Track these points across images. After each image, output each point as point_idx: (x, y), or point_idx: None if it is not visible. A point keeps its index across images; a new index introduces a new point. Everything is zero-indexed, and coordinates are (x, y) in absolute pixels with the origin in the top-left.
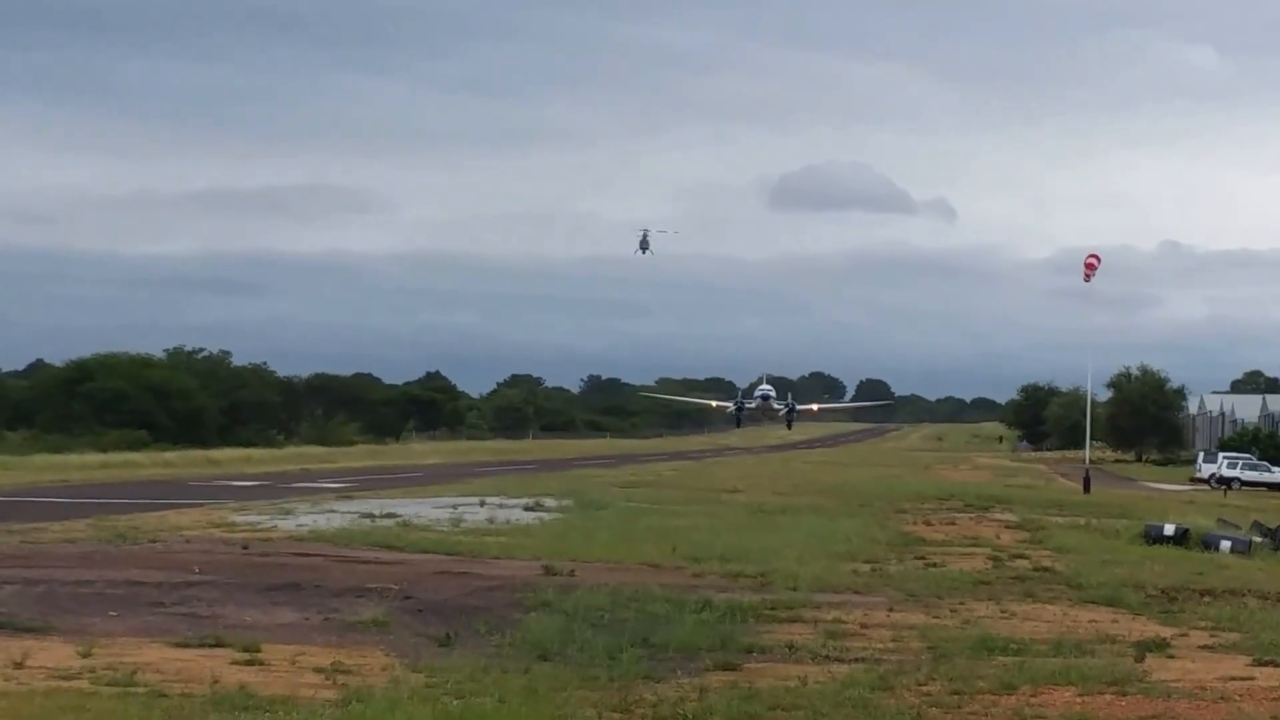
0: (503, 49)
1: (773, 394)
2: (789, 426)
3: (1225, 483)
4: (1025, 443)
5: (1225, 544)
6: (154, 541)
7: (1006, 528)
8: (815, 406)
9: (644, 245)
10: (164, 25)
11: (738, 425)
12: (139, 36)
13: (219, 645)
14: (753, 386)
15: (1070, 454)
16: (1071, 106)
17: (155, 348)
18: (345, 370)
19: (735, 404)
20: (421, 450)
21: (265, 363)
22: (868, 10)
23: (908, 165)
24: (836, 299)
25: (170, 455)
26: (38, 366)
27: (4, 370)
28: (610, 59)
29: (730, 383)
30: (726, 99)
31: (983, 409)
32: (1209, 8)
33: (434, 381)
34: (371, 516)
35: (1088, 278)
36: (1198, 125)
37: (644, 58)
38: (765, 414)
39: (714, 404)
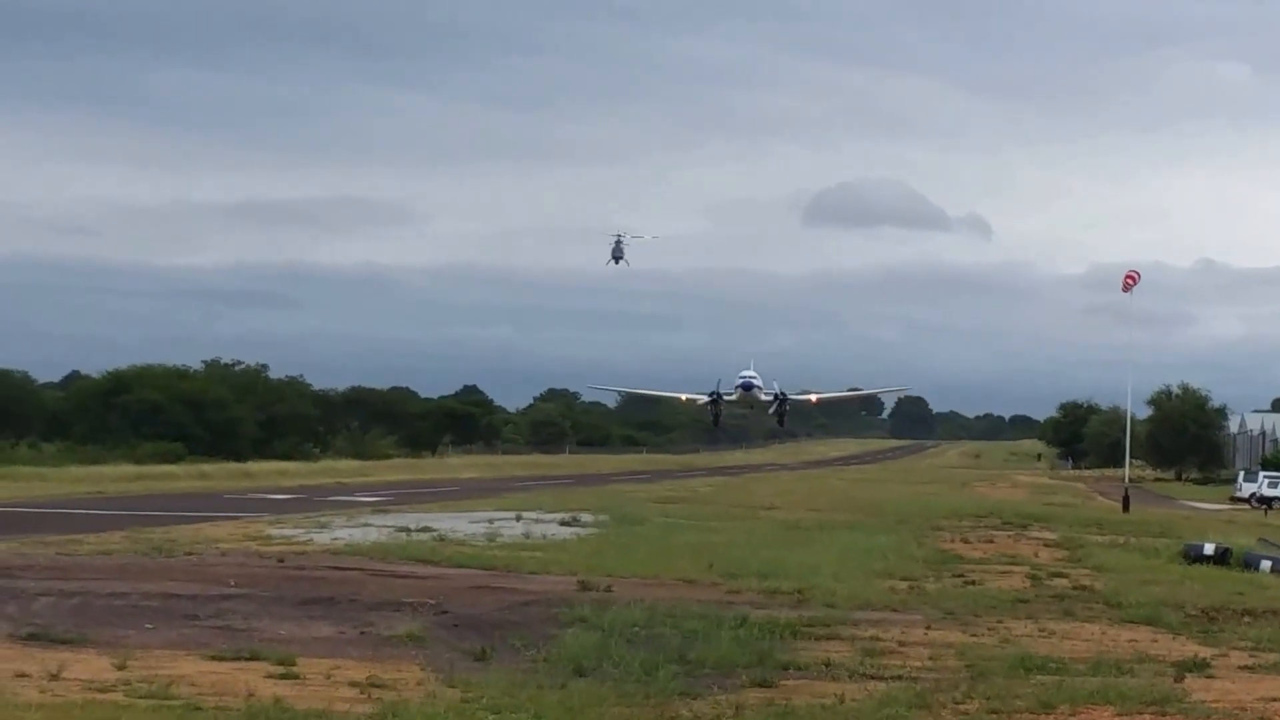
0: (536, 63)
1: (757, 381)
2: (780, 423)
3: (1266, 502)
4: (1068, 460)
5: (1266, 564)
6: (190, 554)
7: (1045, 546)
8: (814, 397)
9: (617, 255)
10: (200, 38)
11: (715, 424)
12: (175, 49)
13: (254, 658)
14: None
15: (1109, 472)
16: (1106, 123)
17: (191, 360)
18: (381, 384)
19: (710, 396)
20: (457, 464)
21: (301, 375)
22: (902, 25)
23: (942, 181)
24: (872, 315)
25: (206, 468)
26: (73, 378)
27: (40, 382)
28: (644, 73)
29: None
30: (760, 114)
31: (1021, 426)
32: (1244, 25)
33: (470, 395)
34: (407, 530)
35: (1127, 288)
36: (1233, 142)
37: (677, 72)
38: (749, 407)
39: (684, 397)
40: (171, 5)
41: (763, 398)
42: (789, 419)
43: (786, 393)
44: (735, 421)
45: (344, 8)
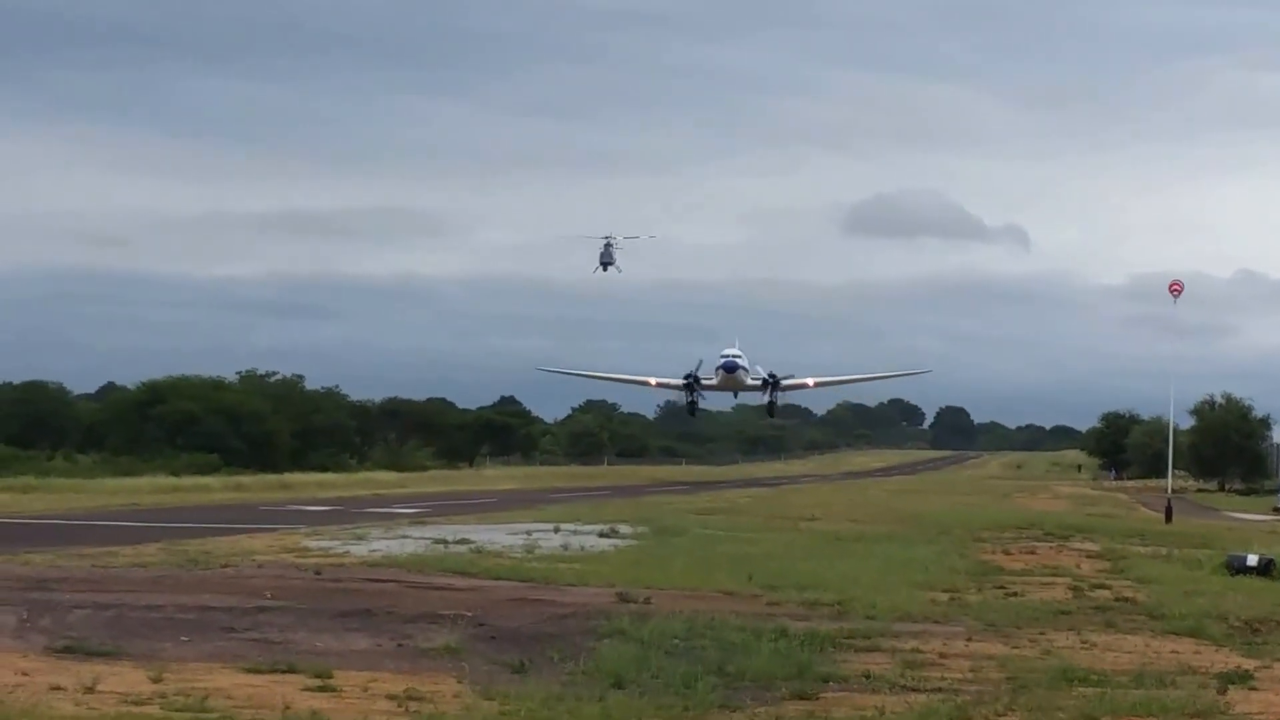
0: (573, 72)
1: (742, 361)
2: (771, 411)
3: None
4: (1110, 471)
5: None
6: (226, 566)
7: (1087, 557)
8: (811, 381)
9: (606, 260)
10: (236, 47)
11: (691, 413)
12: (211, 58)
13: (291, 671)
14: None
15: (1151, 483)
16: (1146, 132)
17: (227, 371)
18: (418, 395)
19: (685, 380)
20: (495, 476)
21: (338, 386)
22: (942, 35)
23: (981, 191)
24: (911, 326)
25: (242, 479)
26: (109, 389)
27: (75, 393)
28: (682, 82)
29: (806, 409)
30: (798, 123)
31: (1062, 437)
32: None
33: (508, 406)
34: (445, 542)
35: (1175, 296)
36: (1274, 153)
37: (716, 81)
38: (732, 389)
39: (652, 381)
40: (209, 16)
41: (749, 381)
42: (787, 411)
43: (778, 375)
44: (774, 432)
45: (381, 18)
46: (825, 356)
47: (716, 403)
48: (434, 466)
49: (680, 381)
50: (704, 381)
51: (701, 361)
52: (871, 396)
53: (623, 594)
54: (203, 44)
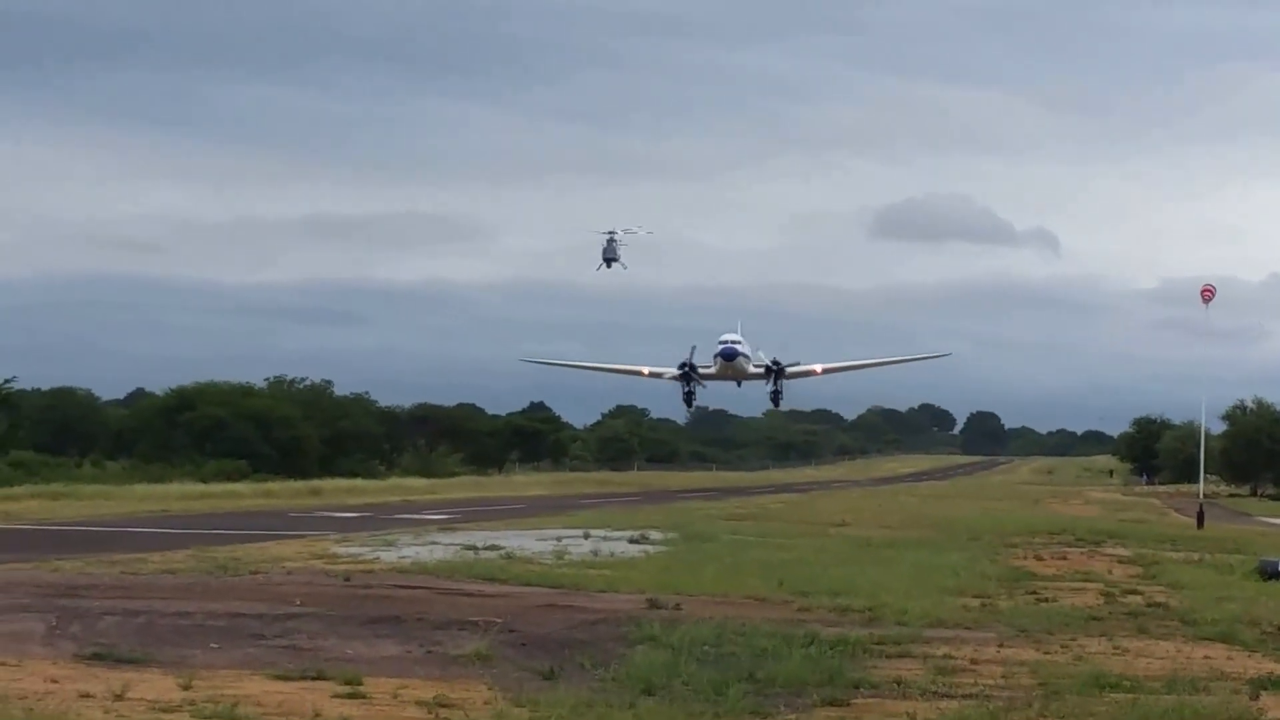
0: (604, 77)
1: (742, 347)
2: (775, 401)
3: None
4: (1142, 476)
5: None
6: (255, 573)
7: (1119, 563)
8: (819, 368)
9: (609, 257)
10: (265, 54)
11: (688, 404)
12: (242, 65)
13: (320, 678)
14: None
15: (1184, 488)
16: (1177, 136)
17: (256, 377)
18: (448, 400)
19: (681, 369)
20: (524, 482)
21: (367, 392)
22: (971, 39)
23: (1010, 195)
24: (941, 330)
25: (271, 485)
26: (138, 395)
27: (104, 399)
28: (712, 87)
29: (837, 414)
30: (828, 128)
31: (1093, 442)
32: None
33: (538, 412)
34: (475, 549)
35: (1207, 301)
36: None
37: (746, 86)
38: (732, 378)
39: (645, 371)
40: (239, 22)
41: (751, 369)
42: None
43: (782, 362)
44: (805, 438)
45: (412, 24)
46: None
47: (748, 408)
48: (463, 473)
49: (675, 371)
50: (701, 370)
51: (695, 348)
52: (902, 401)
53: (653, 600)
54: (234, 50)
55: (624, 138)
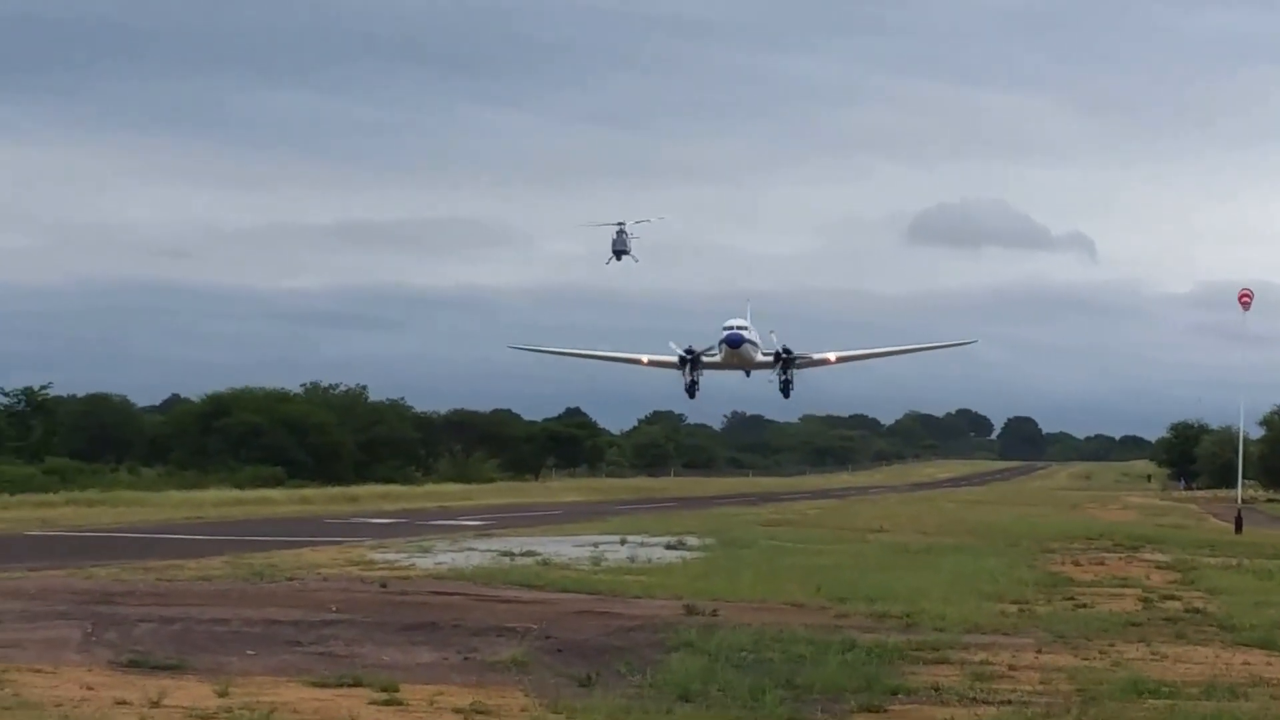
0: (638, 81)
1: (747, 332)
2: (785, 392)
3: None
4: (1180, 481)
5: None
6: (291, 580)
7: (1157, 568)
8: (833, 355)
9: (619, 249)
10: (298, 58)
11: (690, 394)
12: (274, 70)
13: (357, 685)
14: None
15: (1221, 493)
16: (1214, 139)
17: (291, 383)
18: (483, 406)
19: (682, 356)
20: (560, 488)
21: (402, 398)
22: (1006, 43)
23: (1045, 200)
24: (977, 335)
25: (307, 492)
26: (173, 401)
27: (140, 406)
28: (746, 91)
29: (873, 419)
30: (862, 132)
31: (1131, 447)
32: None
33: (574, 418)
34: (511, 555)
35: (1245, 306)
36: None
37: (779, 90)
38: (739, 367)
39: (645, 359)
40: (271, 26)
41: (759, 357)
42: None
43: (793, 349)
44: (842, 443)
45: (444, 29)
46: (890, 367)
47: (784, 412)
48: (500, 478)
49: (676, 359)
50: (705, 359)
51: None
52: (939, 406)
53: (690, 606)
54: (265, 55)
55: (656, 141)
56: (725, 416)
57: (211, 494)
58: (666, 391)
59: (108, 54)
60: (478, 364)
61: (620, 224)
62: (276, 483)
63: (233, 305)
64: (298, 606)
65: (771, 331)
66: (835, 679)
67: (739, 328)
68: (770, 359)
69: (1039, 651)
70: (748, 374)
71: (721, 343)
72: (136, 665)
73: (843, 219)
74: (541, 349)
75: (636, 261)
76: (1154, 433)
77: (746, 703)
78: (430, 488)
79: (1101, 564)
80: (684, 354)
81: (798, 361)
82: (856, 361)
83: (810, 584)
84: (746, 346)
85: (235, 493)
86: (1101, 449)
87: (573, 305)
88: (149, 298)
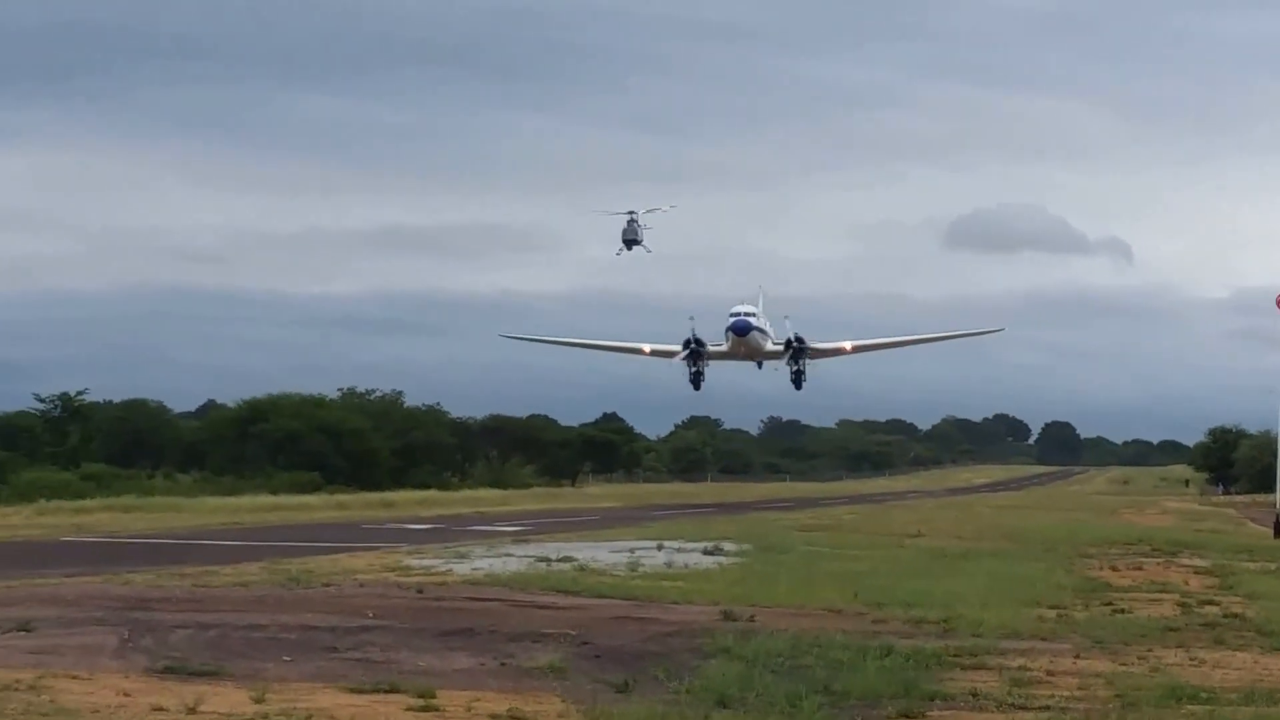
0: (673, 86)
1: (756, 320)
2: (798, 383)
3: None
4: (1219, 486)
5: None
6: (327, 585)
7: (1195, 573)
8: (848, 345)
9: (630, 238)
10: (333, 64)
11: (696, 386)
12: (308, 75)
13: (393, 691)
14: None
15: (1260, 498)
16: (1251, 144)
17: (327, 388)
18: (520, 412)
19: (687, 344)
20: (597, 493)
21: (439, 403)
22: (1042, 47)
23: (1082, 204)
24: (1015, 340)
25: (344, 498)
26: (210, 407)
27: (176, 411)
28: (781, 95)
29: (910, 424)
30: (898, 137)
31: (1169, 452)
32: None
33: (610, 423)
34: (547, 560)
35: None
36: None
37: (815, 94)
38: (748, 357)
39: (646, 349)
40: (305, 32)
41: (769, 347)
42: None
43: (805, 338)
44: (880, 448)
45: (479, 34)
46: (928, 371)
47: (822, 420)
48: (536, 484)
49: (679, 348)
50: (711, 348)
51: (693, 319)
52: (976, 411)
53: (727, 612)
54: (303, 61)
55: (690, 146)
56: (762, 422)
57: (248, 500)
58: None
59: (146, 61)
60: (514, 369)
61: (631, 212)
62: (313, 488)
63: (269, 311)
64: (334, 612)
65: (786, 317)
66: (873, 685)
67: (746, 314)
68: (781, 348)
69: (1077, 657)
70: (759, 365)
71: (728, 330)
72: (173, 671)
73: (878, 224)
74: (534, 338)
75: (649, 252)
76: (1192, 437)
77: (784, 709)
78: (467, 493)
79: (1139, 569)
80: (688, 342)
81: (810, 351)
82: (873, 352)
83: (847, 589)
84: (755, 334)
85: (272, 498)
86: (1139, 454)
87: (608, 309)
88: (185, 303)
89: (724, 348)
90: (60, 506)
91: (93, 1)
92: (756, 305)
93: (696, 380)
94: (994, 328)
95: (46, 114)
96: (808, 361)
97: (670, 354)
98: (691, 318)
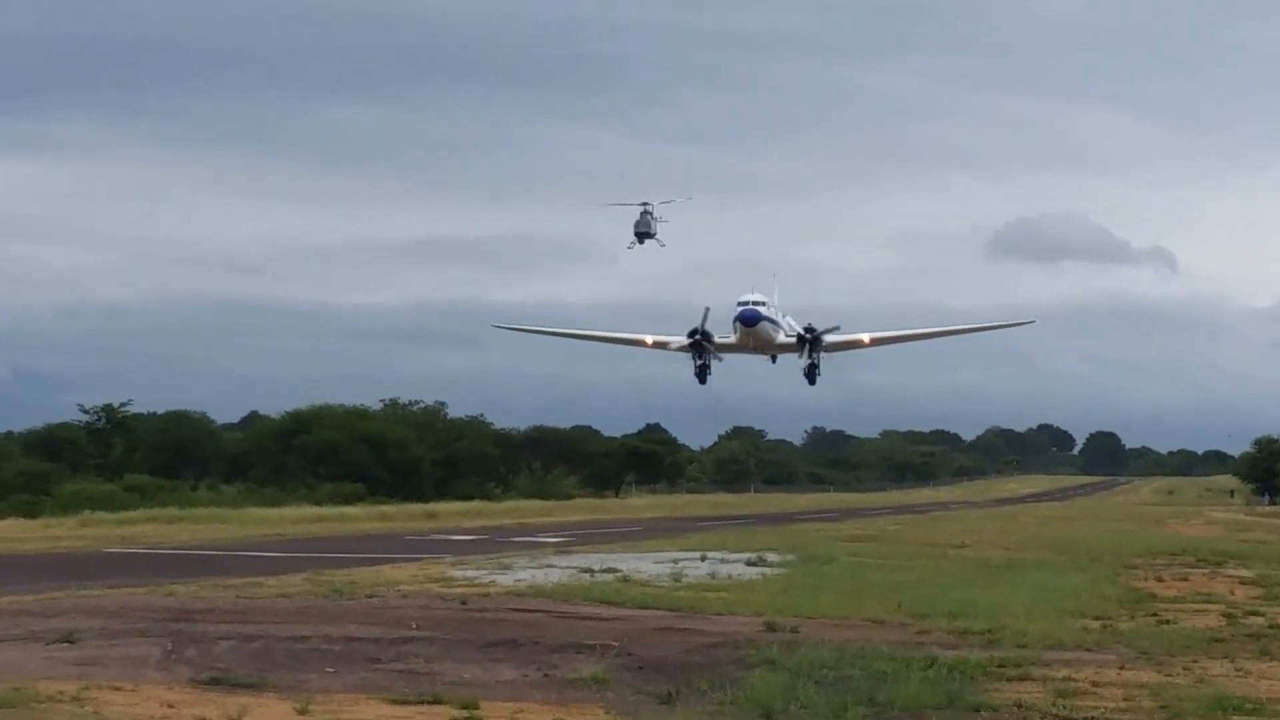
0: (715, 97)
1: (765, 310)
2: (811, 378)
3: None
4: (1264, 496)
5: None
6: (371, 596)
7: (1240, 584)
8: (866, 337)
9: (643, 231)
10: (374, 75)
11: (701, 379)
12: (349, 86)
13: (437, 702)
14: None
15: None
16: None
17: (370, 399)
18: (563, 423)
19: (692, 335)
20: (640, 504)
21: (482, 414)
22: (1085, 57)
23: (1125, 214)
24: (1059, 350)
25: (386, 508)
26: (253, 418)
27: (219, 423)
28: (824, 106)
29: (954, 434)
30: (941, 147)
31: (1214, 462)
32: None
33: (654, 434)
34: (591, 571)
35: None
36: None
37: (858, 105)
38: (758, 349)
39: (649, 340)
40: (345, 43)
41: (780, 338)
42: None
43: (818, 329)
44: (923, 459)
45: (521, 45)
46: (971, 381)
47: (866, 430)
48: (579, 495)
49: (684, 340)
50: (718, 340)
51: (709, 310)
52: (1021, 421)
53: (771, 623)
54: (342, 72)
55: (732, 157)
56: (806, 432)
57: (291, 511)
58: (745, 408)
59: (186, 72)
60: (557, 380)
61: (645, 204)
62: (356, 499)
63: (311, 322)
64: (377, 624)
65: (789, 316)
66: (917, 696)
67: (755, 303)
68: (793, 340)
69: (1122, 668)
70: (773, 359)
71: (735, 320)
72: (217, 683)
73: (921, 234)
74: (529, 329)
75: (662, 246)
76: (1237, 447)
77: None
78: (510, 504)
79: (1185, 580)
80: (693, 333)
81: (825, 343)
82: (894, 344)
83: (891, 600)
84: (764, 325)
85: (315, 510)
86: (1184, 464)
87: (651, 320)
88: (228, 315)
89: (732, 339)
90: (104, 518)
91: (134, 15)
92: (771, 295)
93: (702, 374)
94: (1024, 320)
95: (87, 126)
96: (822, 355)
97: (676, 346)
98: (707, 308)
